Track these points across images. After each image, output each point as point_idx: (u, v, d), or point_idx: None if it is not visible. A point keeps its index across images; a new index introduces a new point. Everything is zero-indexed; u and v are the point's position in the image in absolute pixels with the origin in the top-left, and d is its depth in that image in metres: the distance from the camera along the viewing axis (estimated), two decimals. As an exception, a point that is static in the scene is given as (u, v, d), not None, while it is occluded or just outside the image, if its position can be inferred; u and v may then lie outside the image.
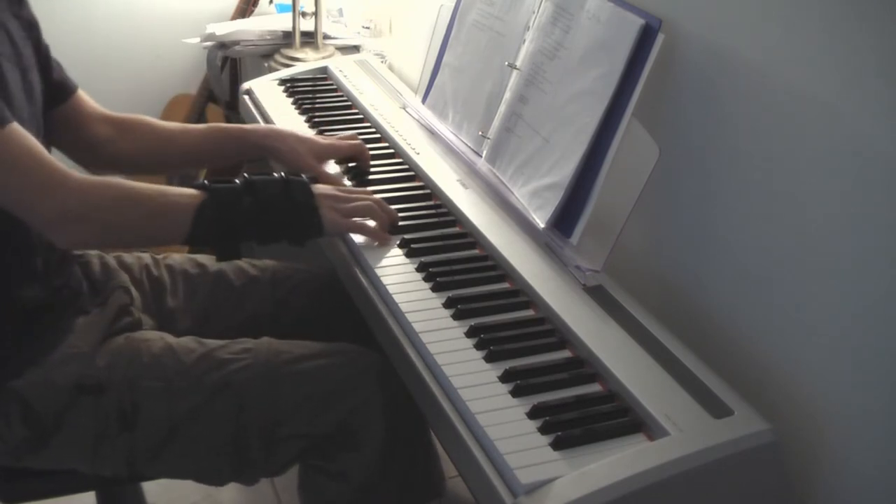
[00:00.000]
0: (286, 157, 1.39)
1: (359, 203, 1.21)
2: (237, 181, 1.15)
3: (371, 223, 1.22)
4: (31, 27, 1.20)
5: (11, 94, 1.09)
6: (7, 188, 1.04)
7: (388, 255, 1.21)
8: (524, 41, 1.34)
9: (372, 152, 1.51)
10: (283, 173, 1.19)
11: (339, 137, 1.47)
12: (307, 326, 1.35)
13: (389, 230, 1.24)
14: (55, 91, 1.26)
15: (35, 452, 1.14)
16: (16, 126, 1.04)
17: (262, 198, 1.14)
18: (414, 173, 1.44)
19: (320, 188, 1.20)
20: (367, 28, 2.18)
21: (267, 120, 1.65)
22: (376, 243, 1.22)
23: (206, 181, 1.14)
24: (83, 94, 1.33)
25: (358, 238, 1.22)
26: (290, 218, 1.16)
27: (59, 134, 1.27)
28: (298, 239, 1.18)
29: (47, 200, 1.04)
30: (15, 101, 1.09)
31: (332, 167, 1.46)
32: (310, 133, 1.56)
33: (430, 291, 1.14)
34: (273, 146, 1.39)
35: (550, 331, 1.08)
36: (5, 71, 1.09)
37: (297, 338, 1.25)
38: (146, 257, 1.38)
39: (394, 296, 1.12)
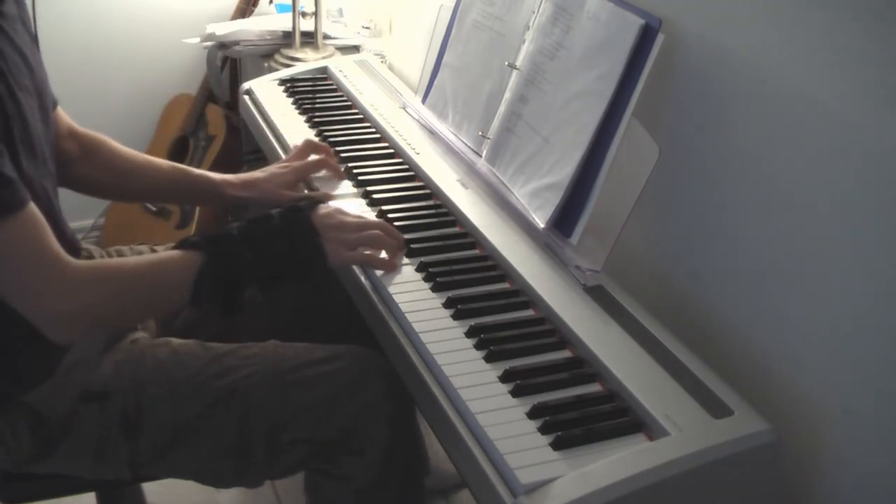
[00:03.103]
0: (261, 202, 1.36)
1: (365, 233, 1.16)
2: (234, 231, 1.09)
3: (379, 252, 1.17)
4: (30, 31, 1.14)
5: (33, 137, 1.03)
6: (6, 282, 0.98)
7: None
8: (524, 41, 1.34)
9: (372, 152, 1.51)
10: (281, 211, 1.13)
11: (294, 147, 1.43)
12: (306, 314, 1.36)
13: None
14: None
15: (39, 461, 1.13)
16: (28, 212, 0.96)
17: (263, 249, 1.09)
18: (414, 173, 1.44)
19: (323, 218, 1.14)
20: (367, 28, 2.18)
21: (267, 120, 1.65)
22: (381, 273, 1.17)
23: (200, 237, 1.08)
24: (59, 109, 1.27)
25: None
26: (293, 263, 1.10)
27: None
28: (302, 279, 1.13)
29: (45, 303, 0.98)
30: (35, 142, 1.04)
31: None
32: (309, 133, 1.56)
33: (430, 291, 1.14)
34: (241, 196, 1.36)
35: (550, 331, 1.08)
36: (26, 113, 1.03)
37: (297, 327, 1.24)
38: (145, 250, 1.36)
39: (394, 296, 1.12)
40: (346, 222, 1.16)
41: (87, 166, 1.30)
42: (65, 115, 1.29)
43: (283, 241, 1.11)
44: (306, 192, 1.40)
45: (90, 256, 1.30)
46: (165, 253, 1.09)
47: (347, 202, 1.35)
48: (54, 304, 0.99)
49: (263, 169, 1.41)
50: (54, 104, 1.25)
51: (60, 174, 1.26)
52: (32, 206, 0.98)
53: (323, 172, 1.42)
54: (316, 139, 1.54)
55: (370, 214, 1.30)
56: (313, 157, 1.43)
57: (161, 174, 1.34)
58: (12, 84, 1.02)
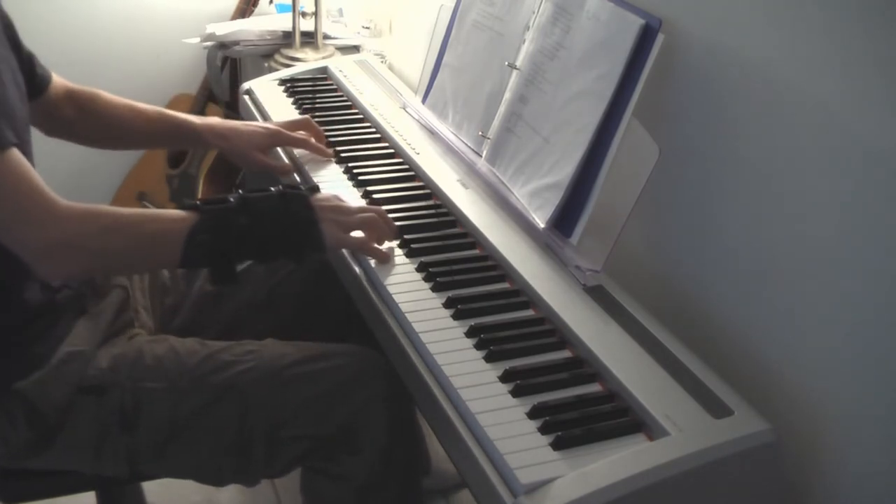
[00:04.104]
0: (233, 157, 1.43)
1: (362, 216, 1.17)
2: (231, 199, 1.10)
3: (374, 237, 1.18)
4: (8, 27, 1.17)
5: (10, 101, 1.06)
6: None
7: (388, 255, 1.21)
8: (524, 41, 1.34)
9: (372, 152, 1.51)
10: (280, 187, 1.15)
11: (289, 122, 1.49)
12: (306, 314, 1.36)
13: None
14: (37, 85, 1.27)
15: (38, 454, 1.13)
16: (14, 151, 1.01)
17: (258, 217, 1.09)
18: (414, 173, 1.44)
19: (321, 200, 1.16)
20: (367, 28, 2.18)
21: (267, 120, 1.65)
22: (373, 261, 1.18)
23: (198, 201, 1.10)
24: (54, 76, 1.32)
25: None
26: (288, 235, 1.11)
27: (36, 120, 1.26)
28: (297, 256, 1.13)
29: (34, 231, 1.01)
30: (15, 109, 1.07)
31: (332, 170, 1.46)
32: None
33: (430, 291, 1.14)
34: (217, 145, 1.42)
35: (550, 331, 1.08)
36: (5, 79, 1.06)
37: (297, 327, 1.25)
38: None
39: (394, 296, 1.12)
40: (342, 206, 1.17)
41: (84, 123, 1.35)
42: (59, 80, 1.33)
43: (280, 214, 1.11)
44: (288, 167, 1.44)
45: None
46: (162, 210, 1.11)
47: (342, 191, 1.37)
48: (43, 234, 1.01)
49: (246, 122, 1.46)
50: (50, 78, 1.30)
51: (61, 133, 1.35)
52: (17, 152, 1.01)
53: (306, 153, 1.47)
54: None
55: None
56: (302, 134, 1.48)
57: (146, 121, 1.39)
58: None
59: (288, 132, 1.47)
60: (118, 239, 1.06)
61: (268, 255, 1.13)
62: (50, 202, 1.02)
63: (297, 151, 1.48)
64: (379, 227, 1.19)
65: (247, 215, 1.09)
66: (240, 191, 1.13)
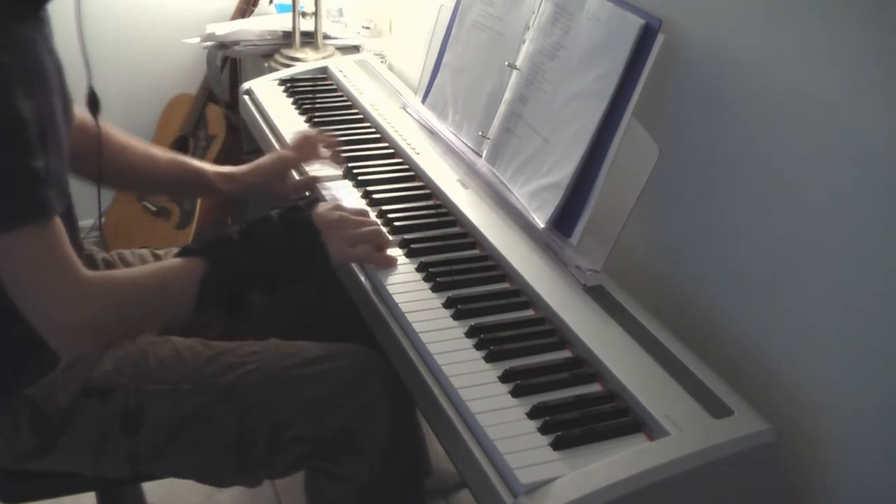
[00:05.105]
0: (258, 193, 1.42)
1: (366, 229, 1.17)
2: (234, 236, 1.10)
3: (377, 247, 1.19)
4: (61, 70, 1.14)
5: (61, 139, 1.04)
6: (22, 287, 0.97)
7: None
8: (524, 41, 1.34)
9: (372, 152, 1.51)
10: (280, 212, 1.14)
11: (292, 145, 1.46)
12: (307, 316, 1.36)
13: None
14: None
15: (40, 457, 1.13)
16: (55, 221, 0.98)
17: (264, 252, 1.09)
18: (414, 173, 1.44)
19: (323, 215, 1.15)
20: (367, 28, 2.18)
21: (267, 120, 1.65)
22: (377, 270, 1.18)
23: (200, 245, 1.09)
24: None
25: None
26: (295, 263, 1.11)
27: None
28: (305, 279, 1.13)
29: (55, 312, 0.98)
30: (62, 143, 1.05)
31: (332, 170, 1.46)
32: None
33: (430, 291, 1.14)
34: (232, 190, 1.41)
35: (550, 331, 1.08)
36: (57, 115, 1.03)
37: (298, 328, 1.25)
38: (147, 254, 1.38)
39: (394, 296, 1.12)
40: (346, 219, 1.17)
41: (92, 159, 1.30)
42: (80, 113, 1.29)
43: (285, 243, 1.11)
44: (298, 177, 1.43)
45: (91, 257, 1.31)
46: (168, 262, 1.09)
47: (342, 192, 1.37)
48: (65, 316, 0.99)
49: (256, 161, 1.43)
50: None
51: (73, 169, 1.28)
52: (58, 220, 0.98)
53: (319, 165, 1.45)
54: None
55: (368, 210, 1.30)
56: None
57: (158, 168, 1.36)
58: (49, 88, 1.03)
59: (294, 155, 1.43)
60: (132, 309, 1.05)
61: (277, 284, 1.12)
62: (74, 281, 0.98)
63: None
64: (383, 239, 1.19)
65: (252, 252, 1.09)
66: (241, 225, 1.12)
